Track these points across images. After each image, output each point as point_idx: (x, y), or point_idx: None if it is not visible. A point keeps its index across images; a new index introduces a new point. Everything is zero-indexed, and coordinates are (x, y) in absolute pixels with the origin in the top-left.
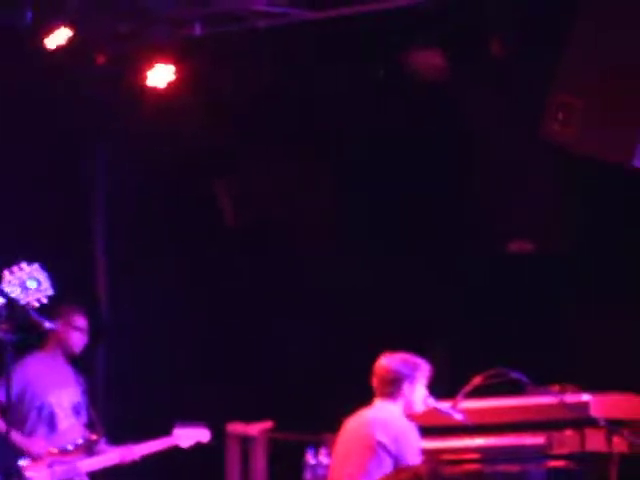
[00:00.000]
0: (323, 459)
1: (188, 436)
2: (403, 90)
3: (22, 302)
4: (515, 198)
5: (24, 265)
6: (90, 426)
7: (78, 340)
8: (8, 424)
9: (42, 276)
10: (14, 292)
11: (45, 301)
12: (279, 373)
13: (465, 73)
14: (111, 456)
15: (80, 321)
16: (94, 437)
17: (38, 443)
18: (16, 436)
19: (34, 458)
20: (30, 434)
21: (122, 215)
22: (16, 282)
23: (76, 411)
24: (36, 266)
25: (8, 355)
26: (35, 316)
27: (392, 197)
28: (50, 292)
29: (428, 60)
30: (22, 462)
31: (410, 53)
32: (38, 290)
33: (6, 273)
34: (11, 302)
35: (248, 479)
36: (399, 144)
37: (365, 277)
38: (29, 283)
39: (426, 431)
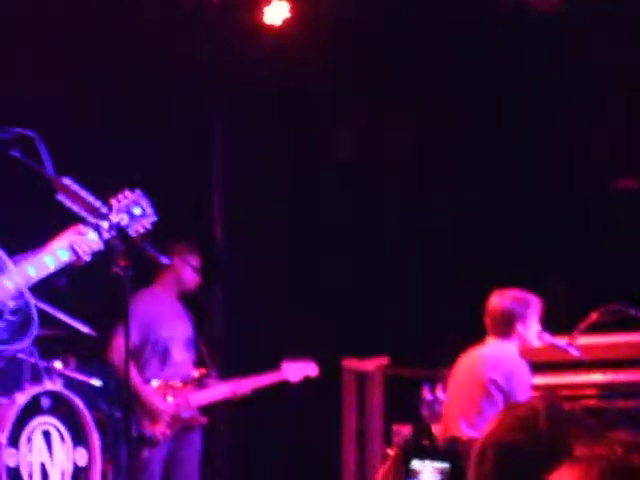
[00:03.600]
0: (440, 395)
1: (296, 370)
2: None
3: (130, 230)
4: (620, 136)
5: (127, 192)
6: (200, 361)
7: (193, 278)
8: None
9: (145, 202)
10: (123, 220)
11: (149, 227)
12: (394, 308)
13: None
14: (221, 390)
15: (195, 260)
16: (205, 372)
17: (162, 402)
18: (144, 391)
19: (155, 417)
20: (144, 367)
21: (240, 152)
22: (123, 209)
23: (188, 346)
24: (138, 192)
25: (127, 291)
26: (151, 251)
27: (497, 133)
28: (154, 218)
29: None
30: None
31: None
32: (143, 216)
33: (113, 201)
34: (126, 236)
35: (364, 415)
36: (510, 78)
37: (476, 212)
38: (135, 210)
39: (542, 367)
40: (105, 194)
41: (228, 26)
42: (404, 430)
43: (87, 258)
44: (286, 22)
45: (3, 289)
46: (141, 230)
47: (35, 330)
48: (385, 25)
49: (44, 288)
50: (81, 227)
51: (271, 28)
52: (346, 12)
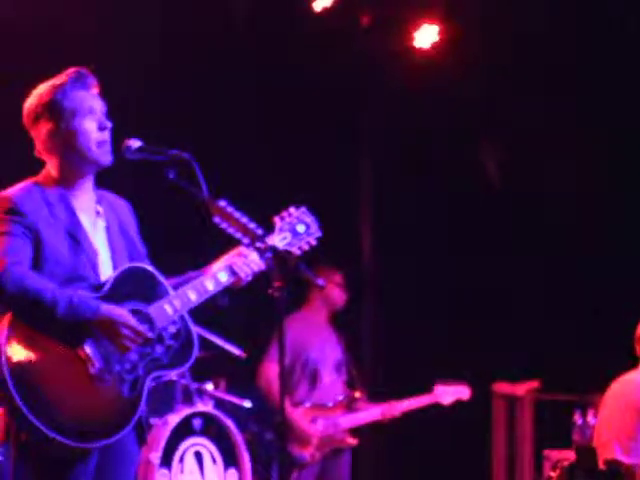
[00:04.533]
0: (590, 420)
1: (449, 393)
2: None
3: (294, 248)
4: None
5: (292, 209)
6: (351, 384)
7: (340, 295)
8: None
9: (310, 219)
10: (286, 238)
11: (314, 243)
12: (545, 332)
13: None
14: (372, 412)
15: (338, 277)
16: (355, 394)
17: (310, 425)
18: (292, 414)
19: (303, 440)
20: (293, 390)
21: (388, 174)
22: (287, 228)
23: (338, 368)
24: (303, 209)
25: (282, 313)
26: (306, 272)
27: None
28: (319, 234)
29: None
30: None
31: None
32: (307, 233)
33: (277, 220)
34: (281, 258)
35: (514, 439)
36: None
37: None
38: (298, 227)
39: None
40: (256, 212)
41: (377, 49)
42: (555, 455)
43: (248, 279)
44: (435, 46)
45: (163, 314)
46: (305, 247)
47: (195, 355)
48: (530, 49)
49: (199, 310)
50: (242, 249)
51: (420, 51)
52: (493, 36)
